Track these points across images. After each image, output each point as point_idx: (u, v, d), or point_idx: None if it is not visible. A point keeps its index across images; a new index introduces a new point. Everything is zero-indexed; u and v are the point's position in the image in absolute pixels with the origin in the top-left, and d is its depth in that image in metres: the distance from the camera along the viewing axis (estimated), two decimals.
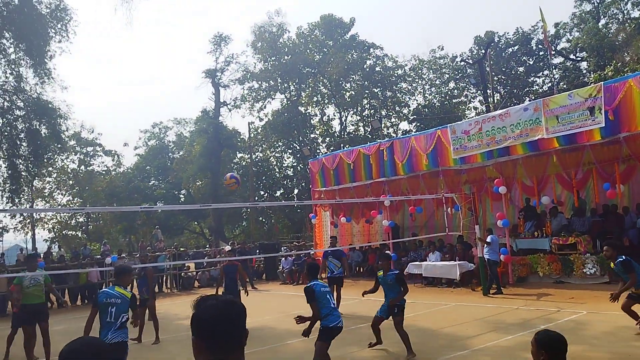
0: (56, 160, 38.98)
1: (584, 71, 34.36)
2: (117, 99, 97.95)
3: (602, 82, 13.05)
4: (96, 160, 45.91)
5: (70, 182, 43.58)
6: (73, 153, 43.09)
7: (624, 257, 8.08)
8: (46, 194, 42.73)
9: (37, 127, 27.82)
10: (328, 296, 6.69)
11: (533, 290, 13.41)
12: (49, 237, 42.54)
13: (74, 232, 44.55)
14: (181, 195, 44.57)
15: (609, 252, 8.39)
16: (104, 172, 45.61)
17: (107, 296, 6.09)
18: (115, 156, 46.62)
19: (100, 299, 6.10)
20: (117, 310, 5.99)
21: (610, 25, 33.09)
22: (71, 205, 42.78)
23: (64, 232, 43.46)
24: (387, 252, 13.51)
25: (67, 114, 29.54)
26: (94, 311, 6.13)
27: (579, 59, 35.39)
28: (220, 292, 9.35)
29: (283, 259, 21.80)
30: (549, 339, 3.39)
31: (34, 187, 39.78)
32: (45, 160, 29.74)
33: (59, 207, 42.21)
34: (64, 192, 43.95)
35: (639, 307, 8.21)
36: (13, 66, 23.71)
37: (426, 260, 16.66)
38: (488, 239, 13.58)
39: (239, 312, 1.92)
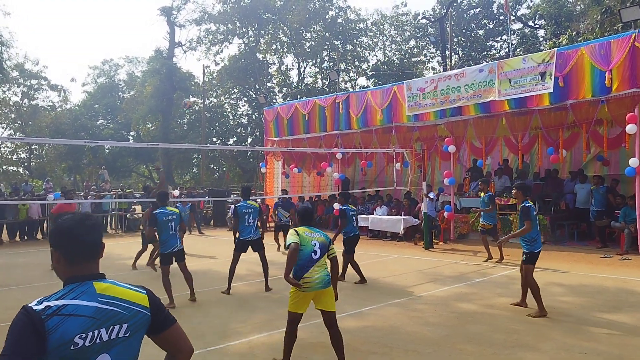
0: None
1: (541, 39, 34.87)
2: (64, 30, 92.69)
3: (556, 49, 13.27)
4: (41, 95, 43.70)
5: (12, 115, 41.51)
6: (16, 85, 40.88)
7: None
8: None
9: None
10: (169, 224, 7.97)
11: (472, 246, 13.94)
12: None
13: (15, 168, 42.80)
14: (130, 137, 43.32)
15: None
16: (49, 108, 43.56)
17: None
18: (62, 92, 44.54)
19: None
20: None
21: None
22: None
23: (4, 167, 41.70)
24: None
25: (9, 41, 28.04)
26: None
27: (537, 26, 35.81)
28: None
29: (232, 205, 21.71)
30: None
31: None
32: None
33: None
34: (4, 125, 41.92)
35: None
36: None
37: (373, 214, 16.96)
38: (431, 195, 14.14)
39: (92, 224, 2.01)
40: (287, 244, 5.08)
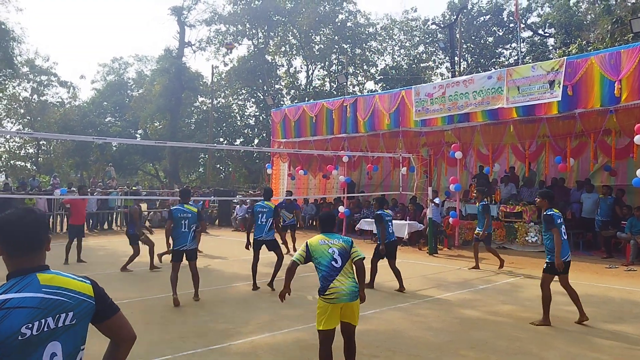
0: (7, 85, 37.21)
1: (551, 47, 34.79)
2: (75, 28, 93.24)
3: (565, 57, 13.25)
4: (50, 91, 43.75)
5: (22, 110, 41.69)
6: (26, 81, 41.06)
7: None
8: None
9: None
10: (182, 222, 8.09)
11: None
12: None
13: (22, 163, 42.98)
14: (138, 135, 43.43)
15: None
16: (58, 104, 43.68)
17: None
18: (71, 88, 44.67)
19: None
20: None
21: (581, 3, 33.41)
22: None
23: (12, 162, 41.92)
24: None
25: (21, 37, 28.19)
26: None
27: (546, 34, 35.74)
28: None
29: (238, 206, 21.79)
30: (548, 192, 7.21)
31: None
32: None
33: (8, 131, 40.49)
34: (14, 121, 42.12)
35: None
36: None
37: None
38: (437, 201, 14.18)
39: (33, 219, 2.09)
40: (293, 258, 4.92)
